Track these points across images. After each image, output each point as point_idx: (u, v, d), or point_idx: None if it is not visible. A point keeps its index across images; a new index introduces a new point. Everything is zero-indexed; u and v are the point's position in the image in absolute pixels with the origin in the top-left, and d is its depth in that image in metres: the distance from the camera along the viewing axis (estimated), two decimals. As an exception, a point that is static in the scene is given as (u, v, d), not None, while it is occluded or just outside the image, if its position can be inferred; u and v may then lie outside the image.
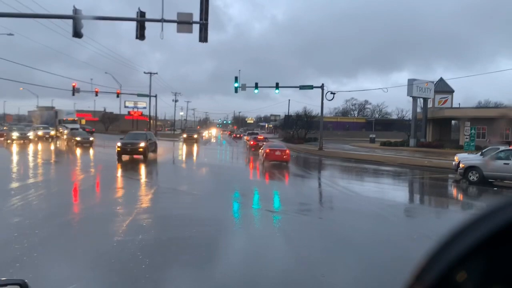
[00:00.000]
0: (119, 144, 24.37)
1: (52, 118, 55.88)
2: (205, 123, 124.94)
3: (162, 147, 34.89)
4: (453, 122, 53.26)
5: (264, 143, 31.49)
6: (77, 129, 48.98)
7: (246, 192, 14.87)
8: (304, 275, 6.43)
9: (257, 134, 54.48)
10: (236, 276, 6.37)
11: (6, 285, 1.76)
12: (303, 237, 8.84)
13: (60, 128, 50.07)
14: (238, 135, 71.79)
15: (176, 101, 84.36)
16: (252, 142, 38.47)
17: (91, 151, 32.80)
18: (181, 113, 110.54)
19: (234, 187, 16.29)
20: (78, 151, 31.98)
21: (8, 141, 37.28)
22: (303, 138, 57.27)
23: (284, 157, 24.19)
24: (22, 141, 38.01)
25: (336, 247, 8.14)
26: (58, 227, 8.82)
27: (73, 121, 55.39)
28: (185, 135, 53.23)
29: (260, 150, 27.50)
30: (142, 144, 24.68)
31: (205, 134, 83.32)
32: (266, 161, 24.10)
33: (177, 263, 6.83)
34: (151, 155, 26.76)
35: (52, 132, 47.27)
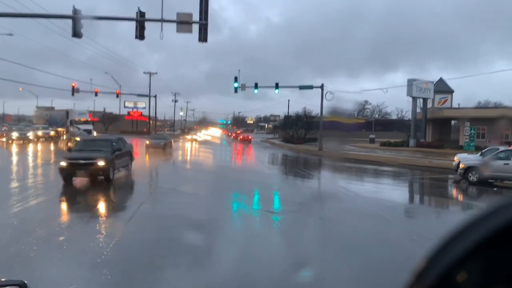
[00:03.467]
0: None
1: (62, 119, 52.56)
2: (203, 122, 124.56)
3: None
4: (453, 122, 53.22)
5: (241, 134, 68.83)
6: (90, 130, 46.23)
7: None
8: (304, 275, 6.42)
9: (237, 131, 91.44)
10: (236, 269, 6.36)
11: (5, 285, 1.76)
12: (303, 237, 8.84)
13: (71, 129, 46.38)
14: (230, 133, 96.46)
15: (175, 101, 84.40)
16: (234, 134, 77.83)
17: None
18: (181, 113, 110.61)
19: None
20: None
21: (12, 141, 37.22)
22: (303, 138, 57.23)
23: (247, 140, 57.35)
24: (22, 141, 37.98)
25: (336, 248, 8.14)
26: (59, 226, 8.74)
27: (86, 122, 51.70)
28: (148, 142, 31.56)
29: (238, 138, 66.48)
30: None
31: (201, 135, 72.99)
32: (239, 141, 58.38)
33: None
34: None
35: (52, 133, 46.99)
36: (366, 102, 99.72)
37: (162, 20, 17.72)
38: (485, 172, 17.78)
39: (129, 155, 17.93)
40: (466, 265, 0.54)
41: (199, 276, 6.24)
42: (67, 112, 52.91)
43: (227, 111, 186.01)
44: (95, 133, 46.75)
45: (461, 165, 19.08)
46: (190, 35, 17.73)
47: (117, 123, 77.57)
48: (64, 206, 11.84)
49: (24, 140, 38.48)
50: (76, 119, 51.13)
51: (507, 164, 17.68)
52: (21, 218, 9.40)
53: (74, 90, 44.49)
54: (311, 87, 40.86)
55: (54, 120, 55.44)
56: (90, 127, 49.34)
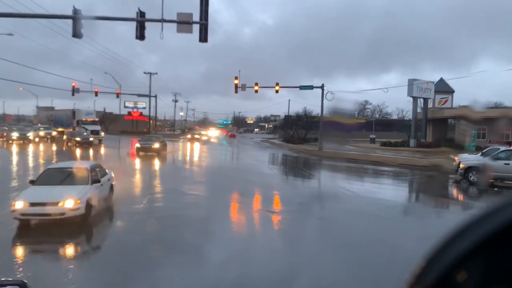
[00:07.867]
0: None
1: (68, 119, 50.60)
2: (204, 123, 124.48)
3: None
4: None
5: (231, 133, 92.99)
6: (98, 131, 43.78)
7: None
8: (303, 275, 6.42)
9: (230, 130, 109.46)
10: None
11: (6, 285, 1.76)
12: (302, 237, 8.83)
13: (78, 130, 43.97)
14: (228, 133, 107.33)
15: (176, 101, 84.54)
16: (226, 132, 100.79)
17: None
18: (181, 113, 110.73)
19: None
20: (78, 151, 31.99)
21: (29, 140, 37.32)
22: (303, 138, 57.22)
23: (233, 136, 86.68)
24: (22, 141, 38.06)
25: (335, 247, 8.13)
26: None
27: (93, 122, 48.48)
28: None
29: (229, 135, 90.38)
30: None
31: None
32: (229, 137, 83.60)
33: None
34: None
35: (54, 133, 46.80)
36: (366, 102, 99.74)
37: (162, 20, 17.71)
38: (486, 174, 17.77)
39: None
40: (466, 265, 0.54)
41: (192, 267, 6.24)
42: (73, 112, 50.49)
43: (227, 111, 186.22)
44: (102, 134, 44.97)
45: (461, 165, 19.06)
46: (190, 36, 17.73)
47: (117, 123, 77.59)
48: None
49: (24, 140, 38.59)
50: (83, 119, 48.52)
51: (508, 164, 17.67)
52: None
53: (74, 90, 44.41)
54: (311, 87, 40.88)
55: (59, 120, 53.86)
56: (97, 127, 46.21)
